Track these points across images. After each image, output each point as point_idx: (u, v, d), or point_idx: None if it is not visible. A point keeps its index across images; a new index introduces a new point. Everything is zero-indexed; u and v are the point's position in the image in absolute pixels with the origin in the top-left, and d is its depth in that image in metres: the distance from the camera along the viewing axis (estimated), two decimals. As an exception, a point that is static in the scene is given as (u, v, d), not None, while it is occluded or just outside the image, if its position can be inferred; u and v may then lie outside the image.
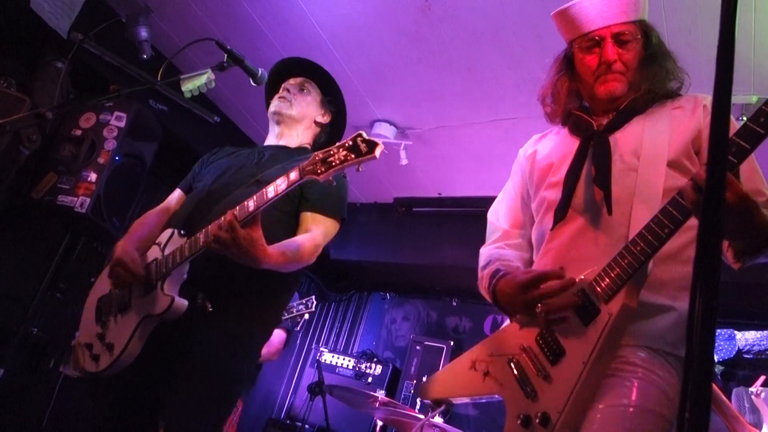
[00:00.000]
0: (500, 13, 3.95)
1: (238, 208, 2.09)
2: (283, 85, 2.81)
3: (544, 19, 3.83)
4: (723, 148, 0.74)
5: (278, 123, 2.79)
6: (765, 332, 2.88)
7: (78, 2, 4.13)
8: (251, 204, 2.08)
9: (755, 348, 2.83)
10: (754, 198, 1.50)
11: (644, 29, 2.05)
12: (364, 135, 1.93)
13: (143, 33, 4.40)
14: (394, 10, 4.16)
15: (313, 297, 4.52)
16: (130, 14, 4.42)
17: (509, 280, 1.90)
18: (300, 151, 2.70)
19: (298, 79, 2.88)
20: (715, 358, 2.86)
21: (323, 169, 1.97)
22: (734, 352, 2.82)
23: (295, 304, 4.44)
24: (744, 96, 3.88)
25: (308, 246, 2.40)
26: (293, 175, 2.04)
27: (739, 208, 1.47)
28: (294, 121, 2.79)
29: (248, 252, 2.08)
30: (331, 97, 2.91)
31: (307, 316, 4.43)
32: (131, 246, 2.47)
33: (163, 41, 4.87)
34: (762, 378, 3.17)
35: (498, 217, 2.29)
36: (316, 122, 2.86)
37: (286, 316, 4.39)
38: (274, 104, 2.79)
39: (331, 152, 1.96)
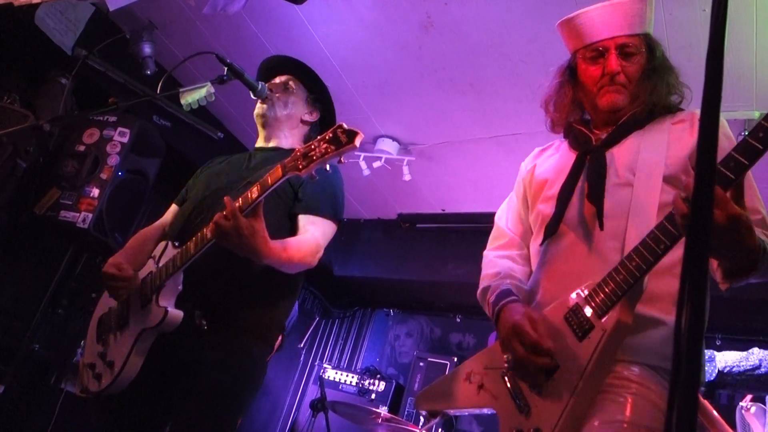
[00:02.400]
0: (502, 29, 3.96)
1: (240, 198, 2.07)
2: (267, 85, 2.74)
3: (547, 34, 3.88)
4: (711, 160, 0.74)
5: (263, 126, 2.76)
6: (744, 353, 2.86)
7: (82, 19, 4.16)
8: (254, 191, 2.07)
9: (735, 370, 2.81)
10: (747, 217, 1.47)
11: (649, 42, 2.05)
12: (344, 126, 1.91)
13: (147, 49, 4.43)
14: (396, 26, 4.17)
15: None
16: (134, 31, 4.45)
17: (512, 314, 1.87)
18: (292, 152, 2.70)
19: (282, 78, 2.84)
20: None
21: (304, 164, 1.95)
22: (715, 375, 2.81)
23: None
24: (746, 111, 3.87)
25: (310, 245, 2.37)
26: (276, 172, 2.03)
27: (728, 228, 1.43)
28: (279, 121, 2.74)
29: (248, 242, 2.06)
30: (317, 94, 2.85)
31: None
32: (118, 257, 2.49)
33: (167, 58, 4.89)
34: (749, 396, 3.16)
35: (505, 222, 2.29)
36: (303, 121, 2.81)
37: None
38: (258, 106, 2.75)
39: (312, 146, 1.95)
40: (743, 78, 3.76)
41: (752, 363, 2.83)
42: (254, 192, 2.05)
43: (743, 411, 3.16)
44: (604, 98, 2.01)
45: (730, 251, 1.53)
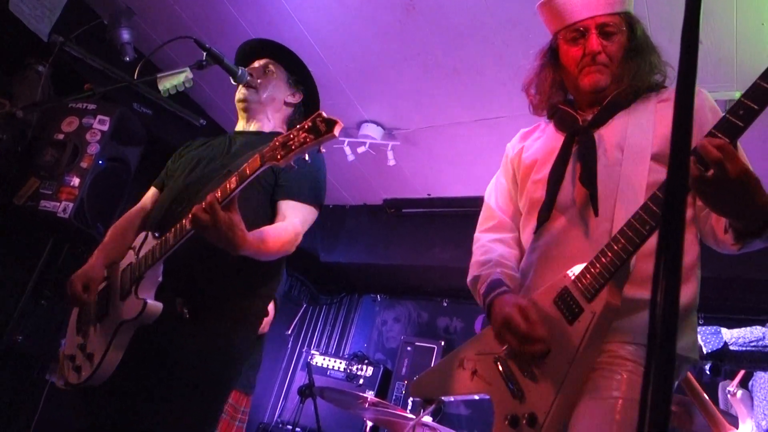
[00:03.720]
0: (484, 11, 3.93)
1: (219, 190, 2.05)
2: (246, 70, 2.70)
3: (529, 16, 3.85)
4: (686, 135, 0.72)
5: (245, 110, 2.73)
6: (749, 328, 2.89)
7: (58, 5, 4.09)
8: (232, 182, 2.04)
9: (740, 340, 2.84)
10: (755, 175, 1.46)
11: (629, 21, 2.04)
12: (324, 114, 1.88)
13: (125, 35, 4.36)
14: (378, 10, 4.14)
15: None
16: (112, 16, 4.38)
17: (502, 306, 1.85)
18: (273, 135, 2.67)
19: (262, 62, 2.81)
20: (704, 350, 2.87)
21: (283, 153, 1.93)
22: (721, 344, 2.83)
23: None
24: (727, 92, 3.88)
25: (288, 233, 2.35)
26: (254, 161, 2.01)
27: (740, 181, 1.42)
28: (262, 105, 2.72)
29: (226, 235, 2.03)
30: (298, 75, 2.83)
31: None
32: (92, 263, 2.51)
33: (145, 44, 4.83)
34: (740, 375, 3.18)
35: (495, 201, 2.27)
36: (286, 103, 2.79)
37: None
38: (239, 91, 2.72)
39: (291, 136, 1.92)
40: (724, 59, 3.77)
41: (756, 336, 2.86)
42: (233, 182, 2.03)
43: (729, 395, 3.18)
44: (586, 78, 2.00)
45: (744, 208, 1.51)
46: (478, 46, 4.25)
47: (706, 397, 2.65)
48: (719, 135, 1.44)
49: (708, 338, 2.89)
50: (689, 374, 1.82)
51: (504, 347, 1.84)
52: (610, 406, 1.60)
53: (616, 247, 1.62)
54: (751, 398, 3.15)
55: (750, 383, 3.22)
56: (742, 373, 3.22)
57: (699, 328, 2.93)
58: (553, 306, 1.75)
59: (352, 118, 5.43)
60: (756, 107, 1.41)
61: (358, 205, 7.27)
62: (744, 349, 2.83)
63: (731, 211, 1.57)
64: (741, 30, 3.55)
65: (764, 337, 2.85)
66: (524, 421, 1.67)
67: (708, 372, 3.02)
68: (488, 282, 1.99)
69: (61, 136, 4.03)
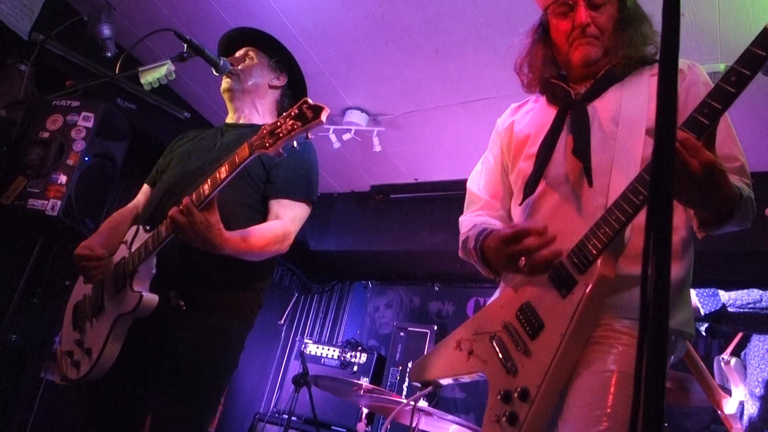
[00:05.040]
0: (465, -6, 3.93)
1: (194, 193, 2.07)
2: (227, 60, 2.69)
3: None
4: (671, 108, 0.73)
5: (232, 100, 2.73)
6: (746, 290, 2.93)
7: (38, 2, 4.06)
8: (206, 187, 2.06)
9: (737, 302, 2.88)
10: (720, 164, 1.47)
11: None
12: (310, 101, 1.89)
13: (106, 31, 4.34)
14: (358, -5, 4.13)
15: None
16: (91, 12, 4.35)
17: (494, 236, 1.85)
18: None
19: (241, 51, 2.80)
20: (701, 312, 2.91)
21: (271, 141, 1.93)
22: (719, 306, 2.87)
23: None
24: (711, 65, 3.89)
25: (276, 232, 2.36)
26: (243, 151, 2.01)
27: (704, 175, 1.43)
28: (248, 92, 2.72)
29: (205, 236, 2.06)
30: (279, 56, 2.82)
31: None
32: (91, 240, 2.47)
33: (127, 39, 4.81)
34: (733, 344, 3.23)
35: (478, 186, 2.25)
36: (272, 86, 2.78)
37: None
38: (224, 81, 2.72)
39: (278, 123, 1.93)
40: (707, 31, 3.78)
41: (754, 298, 2.90)
42: (222, 172, 2.04)
43: (722, 363, 3.22)
44: (577, 51, 1.98)
45: (707, 199, 1.52)
46: (460, 29, 4.25)
47: (704, 366, 2.68)
48: (713, 103, 1.44)
49: (705, 300, 2.92)
50: (687, 342, 1.83)
51: (521, 265, 1.78)
52: (606, 379, 1.60)
53: (610, 219, 1.60)
54: (744, 366, 3.19)
55: (743, 352, 3.26)
56: (735, 341, 3.26)
57: (696, 290, 2.96)
58: (548, 280, 1.74)
59: (337, 105, 5.43)
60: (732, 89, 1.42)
61: (346, 192, 7.28)
62: (741, 310, 2.87)
63: (695, 202, 1.59)
64: (723, 1, 3.57)
65: (761, 299, 2.89)
66: (516, 395, 1.66)
67: (704, 333, 3.06)
68: (476, 234, 1.97)
69: (46, 135, 4.02)
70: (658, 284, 0.66)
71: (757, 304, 2.89)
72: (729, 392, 3.01)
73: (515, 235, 1.75)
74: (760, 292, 2.93)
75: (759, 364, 3.12)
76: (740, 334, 3.27)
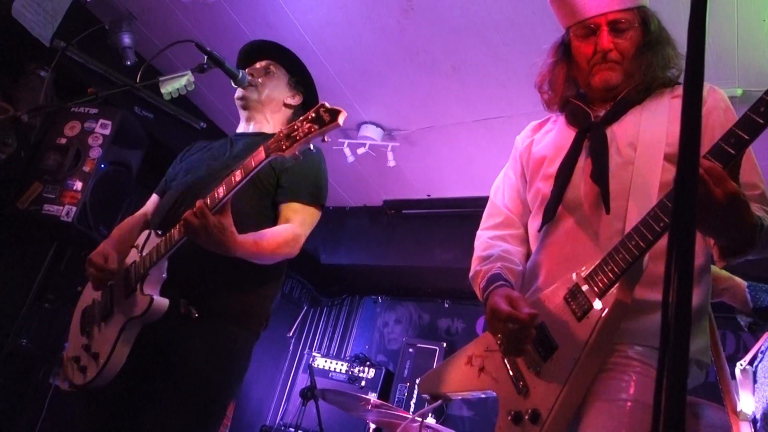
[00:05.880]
0: (483, 10, 3.94)
1: (208, 196, 2.07)
2: (247, 71, 2.72)
3: (528, 16, 3.87)
4: (695, 132, 0.73)
5: (245, 108, 2.74)
6: None
7: (60, 10, 4.10)
8: (221, 190, 2.06)
9: None
10: (744, 194, 1.45)
11: (643, 16, 1.98)
12: (327, 105, 1.91)
13: (126, 40, 4.38)
14: (376, 10, 4.15)
15: None
16: (113, 21, 4.41)
17: (498, 298, 1.82)
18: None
19: (263, 63, 2.82)
20: (750, 305, 2.88)
21: (288, 144, 1.93)
22: None
23: None
24: (729, 89, 3.88)
25: (287, 236, 2.36)
26: (259, 154, 2.01)
27: (727, 205, 1.41)
28: (261, 104, 2.73)
29: (218, 239, 2.06)
30: (299, 77, 2.84)
31: None
32: (105, 246, 2.47)
33: (146, 48, 4.84)
34: (752, 352, 3.19)
35: (501, 198, 2.23)
36: (286, 104, 2.80)
37: None
38: (239, 90, 2.73)
39: (295, 126, 1.94)
40: (725, 56, 3.77)
41: None
42: (237, 176, 2.04)
43: (740, 370, 3.18)
44: (597, 76, 1.96)
45: (729, 230, 1.51)
46: (476, 46, 4.26)
47: (726, 365, 2.67)
48: (740, 133, 1.41)
49: (760, 294, 2.89)
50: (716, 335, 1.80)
51: (496, 339, 1.81)
52: (620, 408, 1.59)
53: (629, 245, 1.58)
54: (755, 378, 3.15)
55: (756, 364, 3.21)
56: (754, 350, 3.21)
57: (748, 283, 2.94)
58: (563, 303, 1.73)
59: (352, 119, 5.44)
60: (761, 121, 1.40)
61: (359, 206, 7.28)
62: None
63: (718, 232, 1.57)
64: (742, 26, 3.56)
65: None
66: (527, 417, 1.65)
67: (745, 328, 3.04)
68: (488, 277, 1.95)
69: (63, 141, 4.05)
70: (679, 314, 0.65)
71: None
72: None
73: (508, 317, 1.73)
74: None
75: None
76: (761, 342, 3.23)
